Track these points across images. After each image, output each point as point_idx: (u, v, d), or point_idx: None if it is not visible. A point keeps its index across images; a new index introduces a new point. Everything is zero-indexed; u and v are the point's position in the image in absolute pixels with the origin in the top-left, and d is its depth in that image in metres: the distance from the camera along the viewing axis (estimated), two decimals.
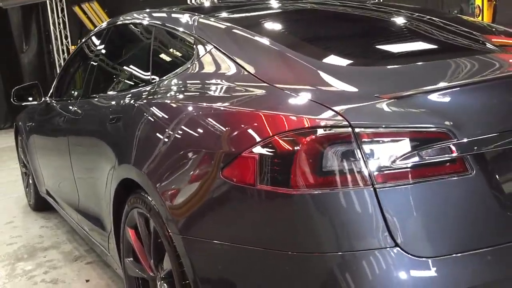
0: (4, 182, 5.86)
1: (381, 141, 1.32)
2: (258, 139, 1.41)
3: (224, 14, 2.43)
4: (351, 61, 1.74)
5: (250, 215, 1.45)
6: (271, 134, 1.39)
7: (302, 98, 1.49)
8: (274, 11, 2.57)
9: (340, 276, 1.30)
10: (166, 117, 1.90)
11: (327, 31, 2.15)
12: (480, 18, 5.91)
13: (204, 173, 1.56)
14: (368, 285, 1.28)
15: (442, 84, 1.48)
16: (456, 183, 1.34)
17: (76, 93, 3.46)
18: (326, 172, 1.32)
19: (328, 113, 1.36)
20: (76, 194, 3.00)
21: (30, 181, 4.44)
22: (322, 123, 1.35)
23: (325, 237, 1.32)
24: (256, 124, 1.46)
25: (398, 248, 1.29)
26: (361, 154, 1.31)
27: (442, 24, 2.13)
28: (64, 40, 11.42)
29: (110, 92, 2.80)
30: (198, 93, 1.90)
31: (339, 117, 1.34)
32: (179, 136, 1.76)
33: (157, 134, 1.89)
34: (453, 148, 1.33)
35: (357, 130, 1.32)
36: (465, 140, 1.34)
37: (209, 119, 1.65)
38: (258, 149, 1.40)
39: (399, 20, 2.25)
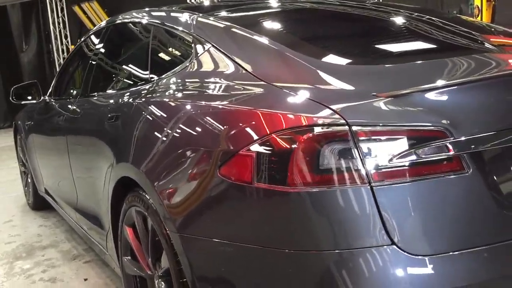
0: (3, 181, 5.86)
1: (378, 140, 1.33)
2: (255, 137, 1.41)
3: (223, 13, 2.44)
4: (348, 60, 1.74)
5: (247, 213, 1.45)
6: (268, 132, 1.39)
7: (300, 96, 1.49)
8: (272, 10, 2.57)
9: (337, 274, 1.30)
10: (164, 115, 1.91)
11: (325, 30, 2.15)
12: (479, 18, 5.92)
13: (202, 171, 1.56)
14: (365, 283, 1.29)
15: (439, 83, 1.48)
16: (453, 182, 1.34)
17: (75, 92, 3.46)
18: (323, 170, 1.32)
19: (326, 112, 1.36)
20: (74, 193, 3.00)
21: (29, 180, 4.44)
22: (319, 121, 1.35)
23: (322, 235, 1.32)
24: (253, 122, 1.46)
25: (395, 246, 1.29)
26: (358, 152, 1.31)
27: (441, 23, 2.13)
28: (64, 40, 11.43)
29: (109, 91, 2.80)
30: (196, 92, 1.90)
31: (336, 116, 1.34)
32: (177, 135, 1.76)
33: (155, 133, 1.89)
34: (450, 146, 1.33)
35: (354, 128, 1.32)
36: (462, 138, 1.34)
37: (207, 117, 1.65)
38: (255, 147, 1.40)
39: (398, 20, 2.25)
